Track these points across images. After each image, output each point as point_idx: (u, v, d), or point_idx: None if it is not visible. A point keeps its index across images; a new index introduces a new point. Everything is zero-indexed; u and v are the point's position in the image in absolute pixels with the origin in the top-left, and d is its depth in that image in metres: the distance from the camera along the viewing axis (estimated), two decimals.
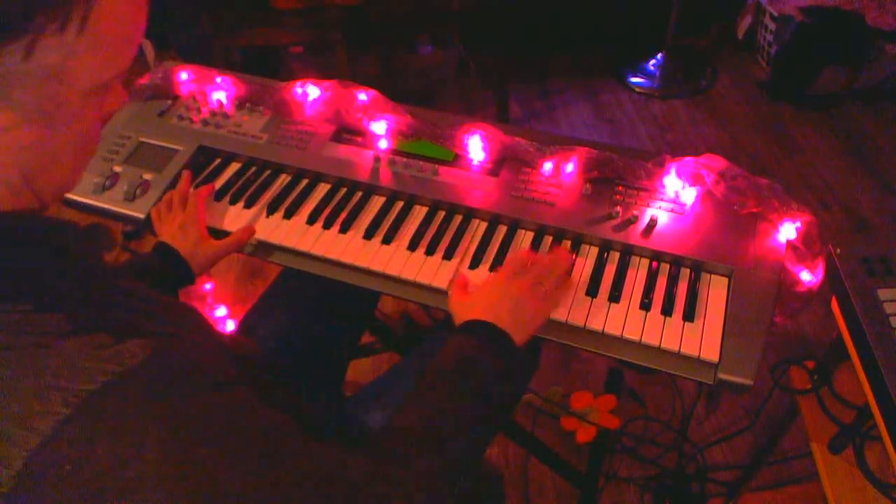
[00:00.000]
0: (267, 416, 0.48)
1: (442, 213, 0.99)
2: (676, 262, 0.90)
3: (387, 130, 1.07)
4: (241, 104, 1.16)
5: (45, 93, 0.42)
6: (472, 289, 0.82)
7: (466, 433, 0.63)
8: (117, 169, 1.08)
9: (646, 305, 0.86)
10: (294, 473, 0.46)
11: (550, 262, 0.81)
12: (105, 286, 0.52)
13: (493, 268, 0.91)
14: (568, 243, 0.95)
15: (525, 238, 0.95)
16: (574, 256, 0.92)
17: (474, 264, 0.92)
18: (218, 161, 1.11)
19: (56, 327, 0.42)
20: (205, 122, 1.14)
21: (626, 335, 0.83)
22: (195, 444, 0.42)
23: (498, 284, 0.77)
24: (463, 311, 0.76)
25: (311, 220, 1.00)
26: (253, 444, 0.45)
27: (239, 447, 0.44)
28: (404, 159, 1.03)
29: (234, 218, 1.01)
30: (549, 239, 0.95)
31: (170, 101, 1.18)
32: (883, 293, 0.80)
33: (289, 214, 1.01)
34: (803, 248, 0.89)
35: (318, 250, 0.96)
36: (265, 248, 0.99)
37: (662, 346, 0.82)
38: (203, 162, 1.11)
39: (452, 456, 0.60)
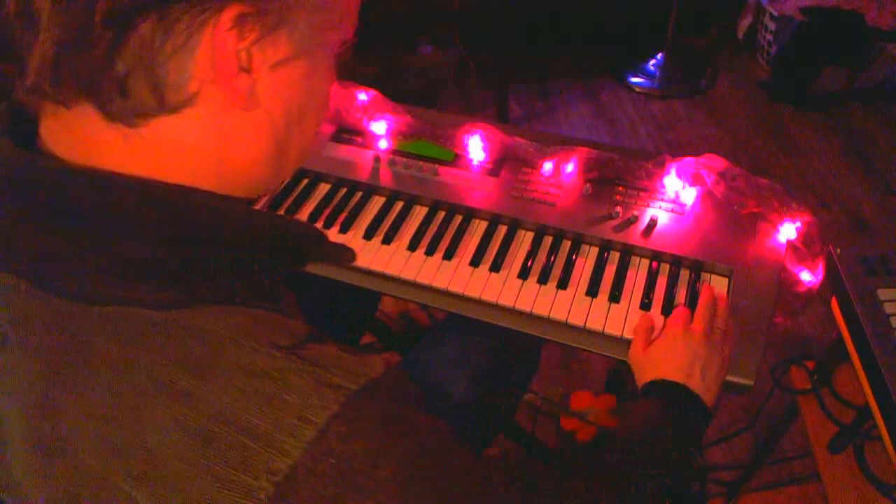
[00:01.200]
0: (474, 458, 0.49)
1: (442, 214, 0.99)
2: (676, 263, 0.90)
3: (387, 130, 1.07)
4: None
5: (317, 23, 0.41)
6: (652, 338, 0.80)
7: (651, 497, 0.64)
8: None
9: (646, 305, 0.86)
10: None
11: (708, 307, 0.79)
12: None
13: (493, 269, 0.91)
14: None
15: (525, 238, 0.95)
16: (727, 299, 0.84)
17: (475, 263, 0.92)
18: None
19: (302, 334, 0.42)
20: None
21: (627, 335, 0.83)
22: (433, 459, 0.43)
23: (681, 340, 0.75)
24: (649, 367, 0.75)
25: (311, 221, 0.99)
26: (477, 481, 0.46)
27: (463, 476, 0.45)
28: (404, 159, 1.03)
29: None
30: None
31: None
32: (883, 293, 0.80)
33: (288, 215, 1.01)
34: (803, 248, 0.89)
35: None
36: None
37: None
38: None
39: None
